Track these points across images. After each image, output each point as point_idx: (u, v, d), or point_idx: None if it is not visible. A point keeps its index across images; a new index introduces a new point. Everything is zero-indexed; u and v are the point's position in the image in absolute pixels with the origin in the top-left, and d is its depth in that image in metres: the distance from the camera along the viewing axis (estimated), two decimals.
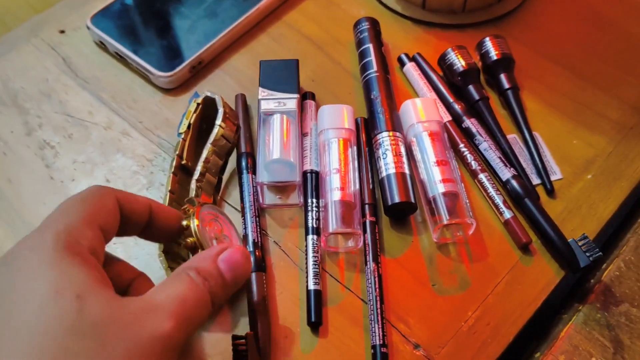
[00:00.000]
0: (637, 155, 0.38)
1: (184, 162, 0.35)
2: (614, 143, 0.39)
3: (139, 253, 0.35)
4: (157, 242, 0.32)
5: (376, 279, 0.32)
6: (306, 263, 0.33)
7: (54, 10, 0.48)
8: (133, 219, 0.28)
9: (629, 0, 0.46)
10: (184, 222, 0.30)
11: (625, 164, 0.38)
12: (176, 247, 0.34)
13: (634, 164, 0.38)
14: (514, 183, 0.35)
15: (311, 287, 0.32)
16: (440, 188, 0.34)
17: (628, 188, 0.37)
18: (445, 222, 0.33)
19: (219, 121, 0.36)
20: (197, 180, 0.34)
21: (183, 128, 0.36)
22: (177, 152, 0.36)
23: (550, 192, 0.36)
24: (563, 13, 0.46)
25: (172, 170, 0.35)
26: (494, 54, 0.40)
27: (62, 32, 0.46)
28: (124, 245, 0.35)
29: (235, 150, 0.38)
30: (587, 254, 0.33)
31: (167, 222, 0.29)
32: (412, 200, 0.34)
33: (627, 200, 0.37)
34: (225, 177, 0.37)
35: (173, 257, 0.33)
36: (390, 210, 0.35)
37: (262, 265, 0.33)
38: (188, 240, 0.30)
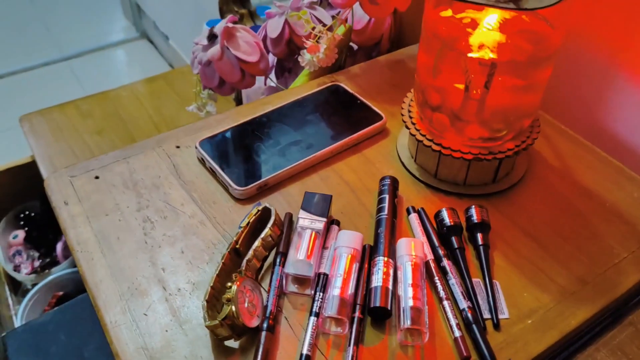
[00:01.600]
0: (571, 315, 0.49)
1: (237, 246, 0.51)
2: (555, 302, 0.50)
3: (188, 303, 0.49)
4: None
5: (354, 358, 0.45)
6: (304, 335, 0.46)
7: (175, 132, 0.67)
8: None
9: (598, 200, 0.60)
10: (229, 284, 0.45)
11: (560, 319, 0.49)
12: (214, 300, 0.48)
13: (566, 320, 0.49)
14: (467, 312, 0.48)
15: (304, 351, 0.45)
16: (410, 302, 0.47)
17: (558, 336, 0.48)
18: (407, 326, 0.46)
19: (270, 225, 0.51)
20: (247, 261, 0.49)
21: (243, 223, 0.52)
22: (235, 239, 0.51)
23: (496, 326, 0.48)
24: (544, 200, 0.60)
25: (228, 249, 0.51)
26: (475, 218, 0.54)
27: (178, 147, 0.65)
28: (182, 297, 0.50)
29: (275, 249, 0.53)
30: None
31: None
32: (389, 307, 0.47)
33: (555, 346, 0.48)
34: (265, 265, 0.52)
35: (211, 307, 0.47)
36: (372, 311, 0.48)
37: (272, 328, 0.47)
38: (227, 295, 0.44)
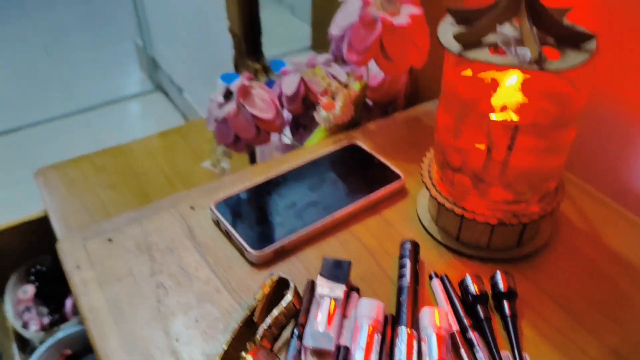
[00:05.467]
0: None
1: (255, 318, 0.48)
2: None
3: None
4: None
5: None
6: None
7: (190, 192, 0.66)
8: None
9: (627, 263, 0.57)
10: (242, 354, 0.43)
11: None
12: None
13: None
14: None
15: None
16: None
17: None
18: None
19: (291, 292, 0.49)
20: (265, 330, 0.47)
21: (259, 295, 0.50)
22: (248, 312, 0.49)
23: None
24: (570, 265, 0.57)
25: (240, 323, 0.48)
26: (501, 286, 0.52)
27: (192, 208, 0.64)
28: None
29: (294, 319, 0.51)
30: None
31: None
32: None
33: None
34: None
35: None
36: None
37: None
38: None
